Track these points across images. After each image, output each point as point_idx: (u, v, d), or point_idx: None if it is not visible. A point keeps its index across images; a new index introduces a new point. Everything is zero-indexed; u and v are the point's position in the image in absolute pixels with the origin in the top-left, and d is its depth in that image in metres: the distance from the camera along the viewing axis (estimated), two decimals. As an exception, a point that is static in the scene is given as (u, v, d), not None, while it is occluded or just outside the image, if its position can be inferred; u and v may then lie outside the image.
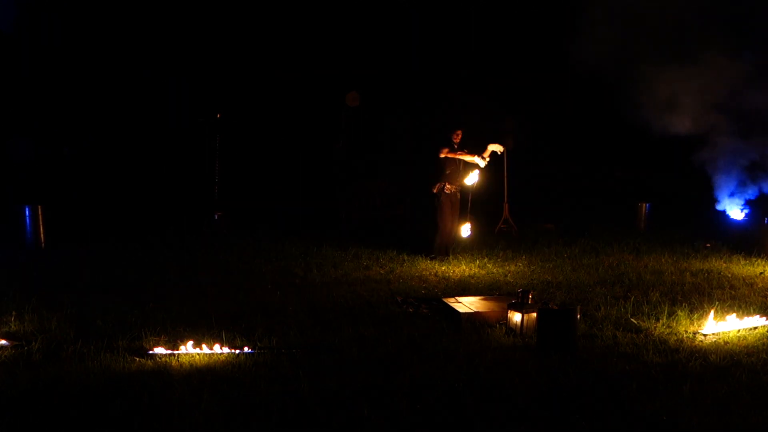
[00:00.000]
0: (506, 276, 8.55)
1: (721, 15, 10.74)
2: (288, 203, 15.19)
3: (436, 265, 9.09)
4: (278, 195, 15.50)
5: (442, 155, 9.46)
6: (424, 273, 8.64)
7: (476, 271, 8.88)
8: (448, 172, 9.49)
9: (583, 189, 16.34)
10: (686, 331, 6.08)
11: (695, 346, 5.68)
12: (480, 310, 6.45)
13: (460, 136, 9.57)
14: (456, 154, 9.42)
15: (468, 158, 9.42)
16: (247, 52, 15.32)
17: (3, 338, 5.56)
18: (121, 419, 4.16)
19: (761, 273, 8.77)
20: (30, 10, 14.49)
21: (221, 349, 5.39)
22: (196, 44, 15.09)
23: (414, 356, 5.33)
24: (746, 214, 12.16)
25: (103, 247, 10.38)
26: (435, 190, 9.52)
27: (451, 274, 8.66)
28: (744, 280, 8.38)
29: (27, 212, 10.44)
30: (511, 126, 12.74)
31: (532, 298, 6.09)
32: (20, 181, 13.92)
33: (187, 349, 5.35)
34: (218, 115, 12.49)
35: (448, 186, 9.49)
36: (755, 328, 6.12)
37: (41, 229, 10.48)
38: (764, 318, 6.35)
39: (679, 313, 6.56)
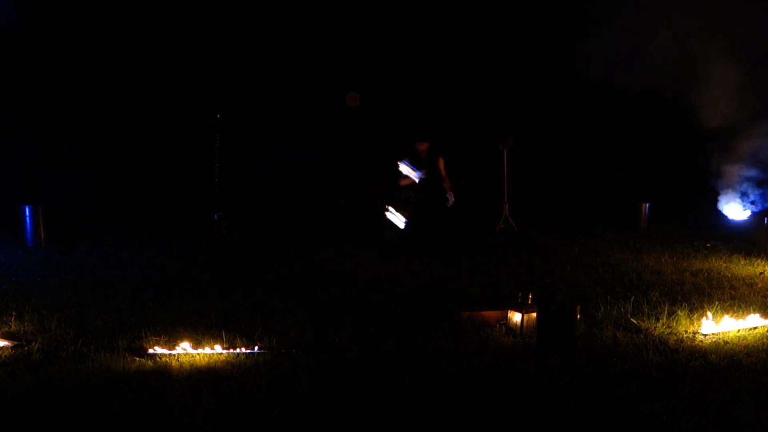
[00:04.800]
0: (506, 276, 8.55)
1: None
2: (287, 202, 15.20)
3: (437, 266, 9.09)
4: (278, 194, 15.51)
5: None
6: (424, 273, 8.64)
7: (477, 271, 8.87)
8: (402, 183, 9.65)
9: (583, 189, 16.35)
10: (686, 331, 6.08)
11: (695, 346, 5.68)
12: (480, 310, 6.45)
13: (426, 148, 9.66)
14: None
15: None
16: (246, 51, 15.32)
17: (3, 338, 5.56)
18: (121, 419, 4.16)
19: (761, 273, 8.77)
20: (29, 10, 14.49)
21: (221, 349, 5.39)
22: (196, 42, 15.09)
23: (414, 356, 5.32)
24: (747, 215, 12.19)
25: (103, 247, 10.39)
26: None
27: (451, 274, 8.66)
28: (744, 280, 8.38)
29: (27, 212, 10.45)
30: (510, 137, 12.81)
31: (532, 298, 6.09)
32: (20, 181, 13.93)
33: (187, 349, 5.35)
34: (218, 115, 12.49)
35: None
36: (755, 328, 6.13)
37: (41, 229, 10.48)
38: (764, 318, 6.36)
39: (679, 313, 6.56)
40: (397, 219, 9.51)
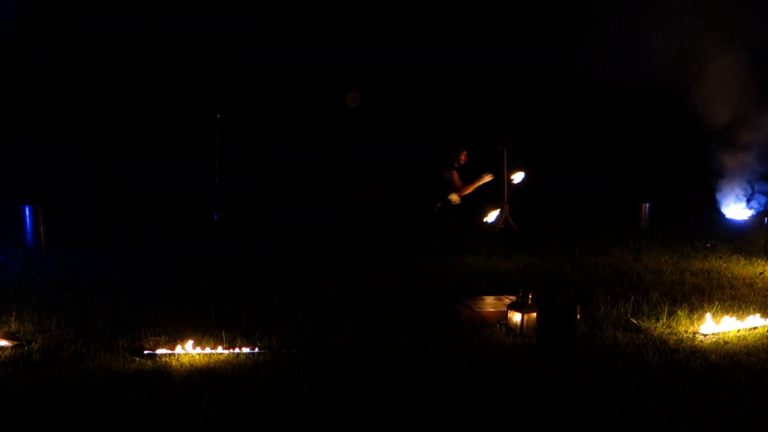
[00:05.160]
0: (506, 276, 8.55)
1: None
2: (287, 202, 15.21)
3: (437, 266, 9.10)
4: (278, 194, 15.52)
5: (447, 178, 9.59)
6: (424, 273, 8.64)
7: (476, 271, 8.88)
8: (446, 190, 9.64)
9: (583, 189, 16.35)
10: (686, 331, 6.08)
11: (695, 346, 5.68)
12: (480, 310, 6.45)
13: (467, 156, 9.68)
14: (464, 189, 9.63)
15: (471, 188, 9.70)
16: (246, 51, 15.33)
17: (3, 338, 5.56)
18: (121, 419, 4.16)
19: (761, 273, 8.77)
20: (29, 10, 14.48)
21: (221, 349, 5.39)
22: (196, 42, 15.09)
23: (414, 356, 5.33)
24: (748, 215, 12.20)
25: (103, 247, 10.39)
26: (432, 206, 9.64)
27: (451, 274, 8.66)
28: (744, 280, 8.38)
29: (27, 212, 10.45)
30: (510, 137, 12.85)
31: (532, 298, 6.09)
32: (20, 181, 13.92)
33: (187, 349, 5.34)
34: (218, 115, 12.50)
35: (438, 204, 9.61)
36: (755, 328, 6.13)
37: (41, 229, 10.49)
38: (764, 318, 6.36)
39: (679, 313, 6.56)
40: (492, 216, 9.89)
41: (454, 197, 9.68)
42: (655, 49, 11.13)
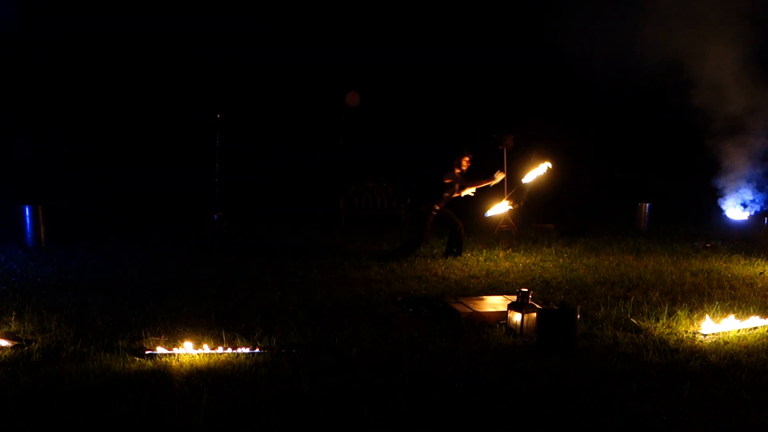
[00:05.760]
0: (506, 276, 8.56)
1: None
2: (287, 202, 15.21)
3: (436, 266, 9.10)
4: (278, 194, 15.52)
5: (449, 181, 9.51)
6: (424, 273, 8.64)
7: (476, 271, 8.89)
8: (446, 195, 9.57)
9: (584, 189, 16.35)
10: (686, 331, 6.08)
11: (695, 346, 5.68)
12: (480, 310, 6.45)
13: (469, 162, 9.63)
14: (475, 184, 9.59)
15: (483, 184, 9.67)
16: (246, 51, 15.33)
17: (3, 338, 5.56)
18: (121, 419, 4.16)
19: (761, 273, 8.78)
20: (29, 10, 14.49)
21: (221, 349, 5.39)
22: (196, 42, 15.09)
23: (414, 356, 5.32)
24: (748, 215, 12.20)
25: (103, 247, 10.39)
26: (425, 209, 9.55)
27: (451, 274, 8.66)
28: (744, 280, 8.39)
29: (27, 212, 10.45)
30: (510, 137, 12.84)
31: (532, 298, 6.09)
32: (20, 181, 13.93)
33: (187, 349, 5.34)
34: (218, 115, 12.50)
35: (437, 207, 9.55)
36: (755, 328, 6.13)
37: (41, 229, 10.49)
38: (764, 318, 6.35)
39: (679, 313, 6.56)
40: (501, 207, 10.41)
41: (469, 192, 9.68)
42: (654, 45, 11.13)
